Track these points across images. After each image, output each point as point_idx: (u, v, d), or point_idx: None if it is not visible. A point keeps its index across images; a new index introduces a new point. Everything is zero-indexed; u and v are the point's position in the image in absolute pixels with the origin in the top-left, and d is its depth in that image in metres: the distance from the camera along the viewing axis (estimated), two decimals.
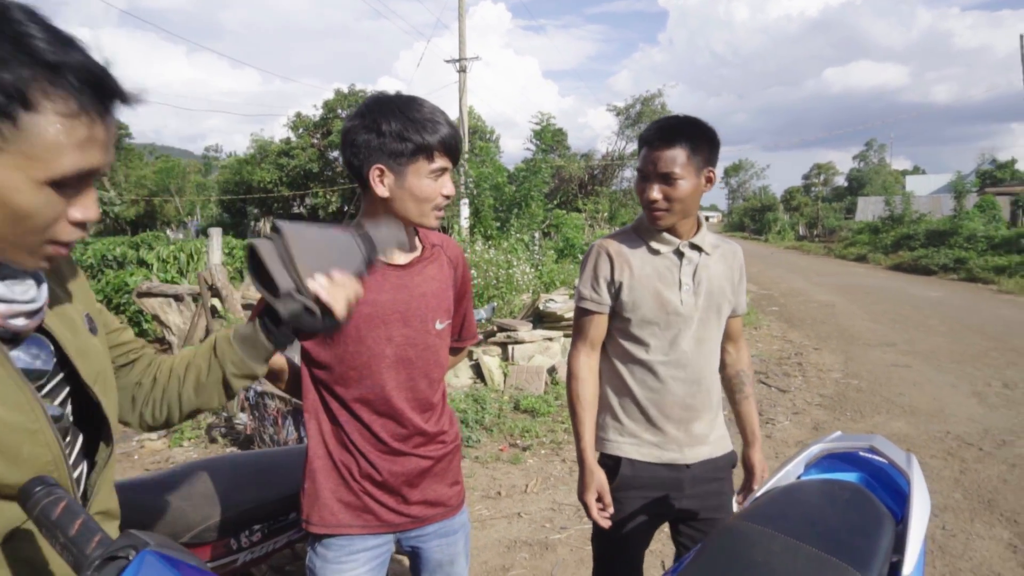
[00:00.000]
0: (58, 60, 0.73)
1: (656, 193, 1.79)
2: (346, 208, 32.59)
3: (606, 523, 1.86)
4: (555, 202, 26.66)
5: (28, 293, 0.86)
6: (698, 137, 1.80)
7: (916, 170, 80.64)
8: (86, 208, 0.82)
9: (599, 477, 1.87)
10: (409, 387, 1.62)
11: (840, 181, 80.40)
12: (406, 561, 1.85)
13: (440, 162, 1.52)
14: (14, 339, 0.87)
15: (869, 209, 46.99)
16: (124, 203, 33.01)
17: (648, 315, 1.86)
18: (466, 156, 17.33)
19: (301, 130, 32.76)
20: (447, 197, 1.57)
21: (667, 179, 1.78)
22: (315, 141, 32.26)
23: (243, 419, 5.09)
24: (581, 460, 1.90)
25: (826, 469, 1.56)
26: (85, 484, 0.97)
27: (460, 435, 1.82)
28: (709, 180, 1.85)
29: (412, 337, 1.61)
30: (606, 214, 26.34)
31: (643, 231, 1.91)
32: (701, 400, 1.91)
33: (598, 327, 1.94)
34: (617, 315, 1.91)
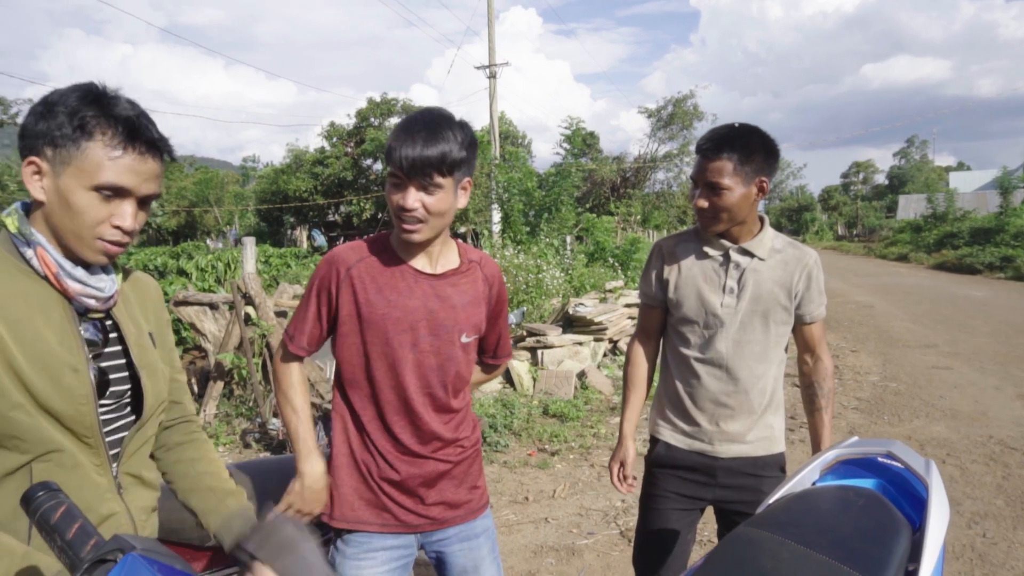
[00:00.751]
0: (111, 111, 1.12)
1: (703, 201, 1.86)
2: (380, 215, 32.96)
3: (624, 489, 2.08)
4: (587, 206, 26.55)
5: (101, 284, 1.20)
6: (750, 147, 1.82)
7: (960, 166, 78.41)
8: (122, 217, 1.15)
9: (626, 449, 2.07)
10: (428, 393, 1.65)
11: (880, 179, 78.57)
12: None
13: (395, 174, 1.56)
14: (84, 314, 1.21)
15: (911, 207, 45.85)
16: (166, 214, 33.88)
17: (689, 313, 1.97)
18: (496, 162, 17.39)
19: (335, 139, 33.24)
20: (406, 210, 1.54)
21: (714, 189, 1.83)
22: (348, 150, 32.70)
23: (276, 424, 5.18)
24: (620, 431, 2.11)
25: (842, 475, 1.53)
26: (121, 439, 1.25)
27: (481, 441, 1.86)
28: (762, 189, 1.87)
29: (437, 346, 1.64)
30: (639, 217, 26.16)
31: (700, 233, 2.00)
32: (737, 400, 1.94)
33: (650, 318, 2.12)
34: (669, 310, 2.05)
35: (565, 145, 18.31)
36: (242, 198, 41.76)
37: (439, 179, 1.52)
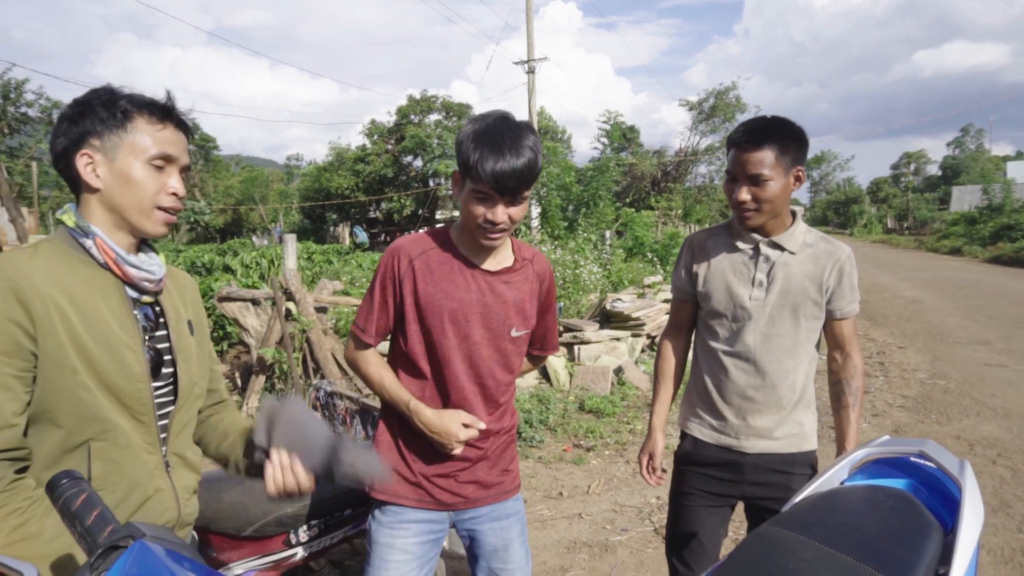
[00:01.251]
0: (131, 96, 1.28)
1: (745, 194, 1.85)
2: (420, 211, 33.24)
3: (652, 482, 2.10)
4: (627, 200, 26.32)
5: (152, 266, 1.33)
6: (786, 137, 1.83)
7: (1019, 155, 75.26)
8: (176, 185, 1.31)
9: (655, 442, 2.10)
10: (479, 383, 1.74)
11: (933, 170, 76.01)
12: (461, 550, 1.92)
13: (482, 188, 1.59)
14: (136, 301, 1.33)
15: (965, 199, 44.25)
16: (213, 212, 34.77)
17: (718, 307, 1.97)
18: None
19: (375, 136, 33.65)
20: (492, 223, 1.62)
21: (756, 180, 1.82)
22: (389, 147, 33.07)
23: None
24: (649, 424, 2.14)
25: (872, 475, 1.49)
26: (168, 420, 1.36)
27: (516, 426, 1.92)
28: (798, 179, 1.87)
29: (488, 338, 1.72)
30: (680, 211, 25.81)
31: (732, 227, 2.00)
32: (765, 395, 1.93)
33: (680, 311, 2.14)
34: (699, 304, 2.05)
35: (603, 139, 18.17)
36: (286, 196, 42.58)
37: (527, 192, 1.61)
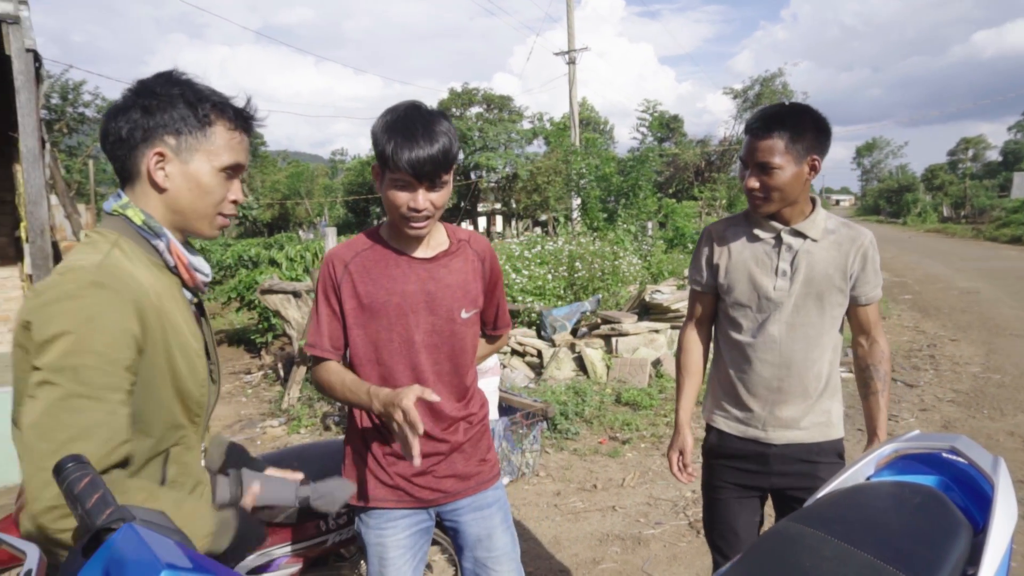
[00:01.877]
0: (222, 99, 1.26)
1: (754, 182, 1.84)
2: (462, 204, 33.39)
3: (684, 479, 2.09)
4: (670, 191, 25.97)
5: (206, 267, 1.33)
6: (800, 125, 1.79)
7: None
8: (237, 192, 1.30)
9: (683, 438, 2.09)
10: (437, 371, 1.74)
11: (993, 155, 73.01)
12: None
13: (402, 176, 1.59)
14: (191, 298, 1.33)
15: None
16: (260, 207, 35.56)
17: (741, 298, 1.95)
18: (575, 148, 17.24)
19: None
20: (414, 210, 1.60)
21: (764, 168, 1.80)
22: None
23: None
24: (676, 421, 2.12)
25: (901, 471, 1.45)
26: (209, 413, 1.36)
27: (488, 415, 1.91)
28: (813, 168, 1.84)
29: (438, 324, 1.72)
30: (724, 201, 25.35)
31: (751, 217, 1.97)
32: (791, 384, 1.91)
33: (700, 304, 2.10)
34: (720, 296, 2.03)
35: (642, 129, 17.92)
36: (331, 190, 43.26)
37: (445, 176, 1.60)
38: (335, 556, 2.52)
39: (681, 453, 2.10)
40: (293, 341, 6.50)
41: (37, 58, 4.55)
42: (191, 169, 1.22)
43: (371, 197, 34.69)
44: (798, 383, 1.91)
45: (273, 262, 13.11)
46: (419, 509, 1.79)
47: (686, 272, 9.78)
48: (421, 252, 1.72)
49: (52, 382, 1.01)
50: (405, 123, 1.55)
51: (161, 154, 1.20)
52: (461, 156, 32.50)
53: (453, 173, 1.64)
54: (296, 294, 6.51)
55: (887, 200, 61.54)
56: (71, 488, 0.73)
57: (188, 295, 1.31)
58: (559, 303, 8.03)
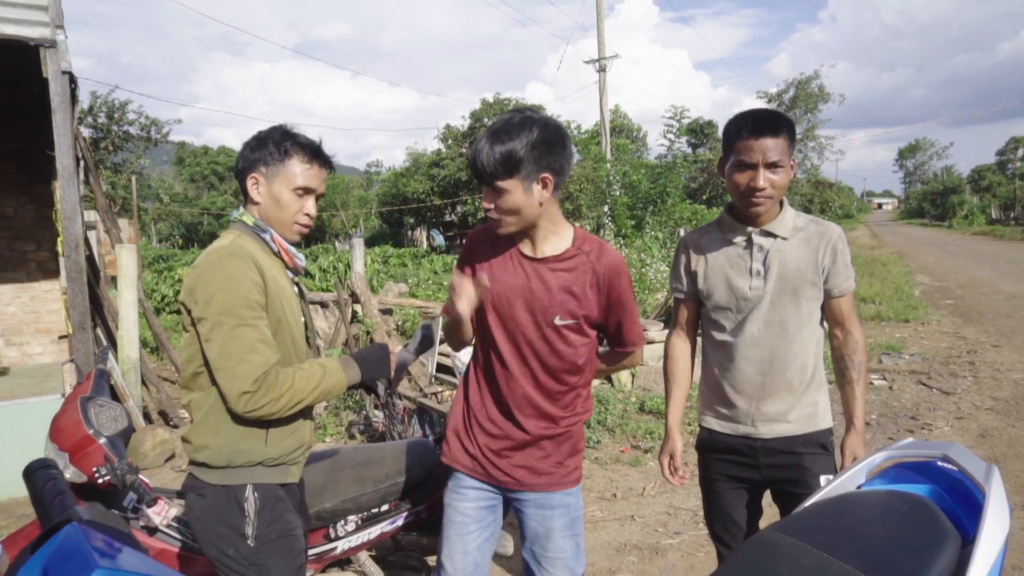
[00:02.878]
0: (301, 140, 1.76)
1: (763, 181, 1.86)
2: None
3: (676, 482, 2.17)
4: (704, 197, 25.68)
5: (302, 257, 1.83)
6: (791, 128, 1.91)
7: None
8: (310, 208, 1.78)
9: (673, 442, 2.17)
10: (524, 362, 1.86)
11: None
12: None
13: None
14: (292, 280, 1.85)
15: None
16: None
17: (720, 301, 2.02)
18: (602, 156, 17.18)
19: (450, 141, 34.16)
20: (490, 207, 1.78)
21: (774, 167, 1.86)
22: (463, 151, 33.49)
23: (378, 416, 5.43)
24: (665, 426, 2.21)
25: (893, 480, 1.42)
26: None
27: (582, 426, 1.97)
28: (793, 168, 1.95)
29: (533, 323, 1.83)
30: None
31: (722, 223, 2.05)
32: (774, 379, 1.97)
33: (684, 311, 2.18)
34: (701, 301, 2.11)
35: (670, 135, 17.75)
36: (366, 201, 43.84)
37: (500, 183, 1.71)
38: (344, 563, 2.55)
39: (671, 457, 2.17)
40: (320, 351, 6.61)
41: (73, 80, 4.73)
42: (273, 189, 1.72)
43: (404, 208, 35.05)
44: (781, 377, 1.97)
45: (307, 273, 13.35)
46: (490, 485, 1.92)
47: None
48: (536, 251, 1.84)
49: (222, 323, 1.55)
50: (485, 130, 1.77)
51: (256, 179, 1.72)
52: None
53: (525, 177, 1.73)
54: (323, 304, 6.62)
55: (931, 203, 59.91)
56: (37, 488, 0.77)
57: (290, 275, 1.82)
58: None
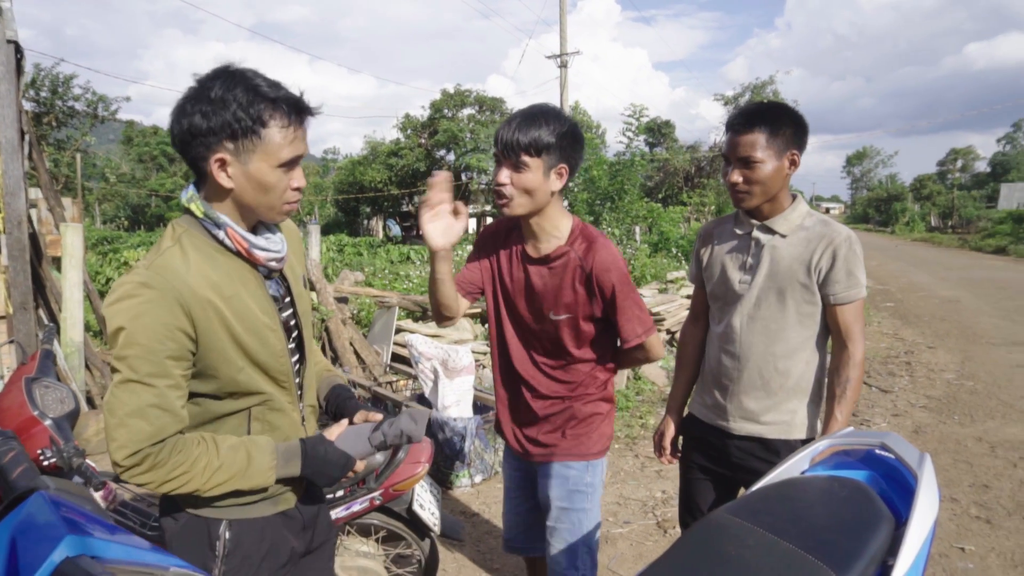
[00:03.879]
0: (275, 96, 1.27)
1: (737, 176, 1.89)
2: None
3: (664, 461, 2.28)
4: (660, 195, 26.02)
5: (277, 245, 1.40)
6: (778, 121, 1.85)
7: None
8: (299, 179, 1.35)
9: (667, 423, 2.25)
10: (528, 348, 2.02)
11: (981, 167, 73.68)
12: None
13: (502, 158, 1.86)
14: (268, 275, 1.43)
15: (1015, 196, 42.86)
16: None
17: (715, 290, 2.06)
18: None
19: (409, 131, 33.86)
20: (497, 183, 1.83)
21: (747, 163, 1.87)
22: (422, 141, 33.24)
23: None
24: (667, 406, 2.29)
25: (835, 466, 1.49)
26: (300, 378, 1.50)
27: (593, 405, 2.05)
28: (793, 162, 1.90)
29: (531, 318, 1.97)
30: (712, 207, 25.47)
31: (737, 214, 2.06)
32: (749, 376, 1.96)
33: (695, 297, 2.23)
34: (705, 289, 2.14)
35: (628, 133, 17.95)
36: (321, 189, 43.13)
37: (525, 158, 1.76)
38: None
39: (661, 436, 2.25)
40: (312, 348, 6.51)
41: (19, 49, 4.55)
42: (251, 170, 1.29)
43: (361, 196, 34.63)
44: (757, 376, 1.94)
45: None
46: (520, 456, 2.11)
47: (669, 276, 9.86)
48: (532, 250, 1.94)
49: (117, 368, 1.22)
50: (515, 113, 1.83)
51: (222, 160, 1.27)
52: (452, 157, 32.54)
53: (547, 162, 1.79)
54: None
55: (876, 209, 62.05)
56: None
57: (263, 270, 1.41)
58: None
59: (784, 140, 1.85)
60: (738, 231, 2.02)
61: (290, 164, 1.32)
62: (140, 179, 41.23)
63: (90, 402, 5.42)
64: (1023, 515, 3.64)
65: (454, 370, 4.23)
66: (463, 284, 2.04)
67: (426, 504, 2.65)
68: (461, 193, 32.77)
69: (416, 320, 6.76)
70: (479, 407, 4.55)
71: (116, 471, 1.20)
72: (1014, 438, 4.86)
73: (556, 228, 1.90)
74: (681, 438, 2.28)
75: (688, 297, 8.54)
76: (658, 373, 6.59)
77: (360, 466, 1.49)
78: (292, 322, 1.48)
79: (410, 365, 5.65)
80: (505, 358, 2.06)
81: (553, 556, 2.05)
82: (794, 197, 1.97)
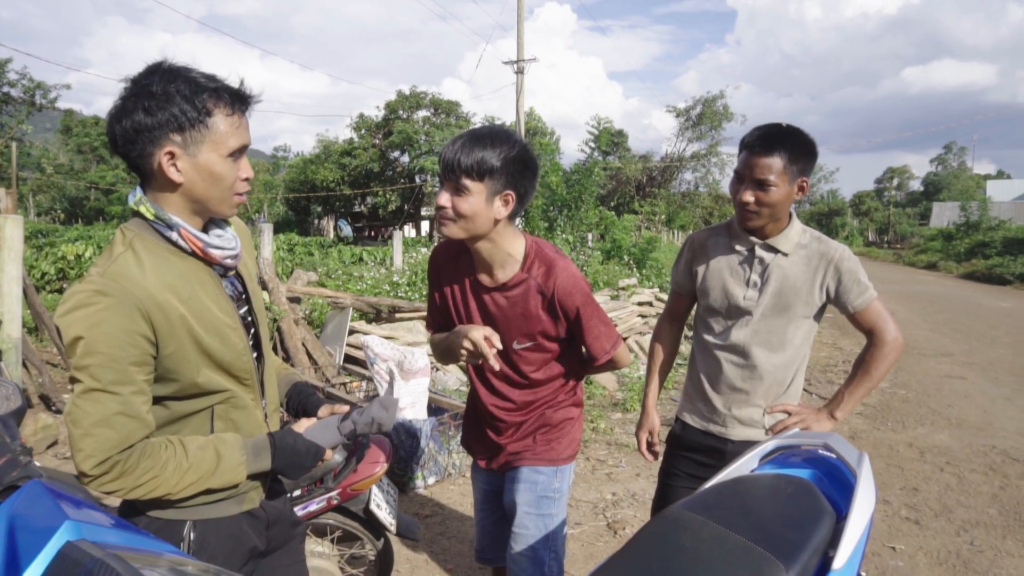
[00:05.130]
0: (216, 86, 1.29)
1: (749, 196, 1.90)
2: (405, 207, 33.19)
3: (650, 457, 2.27)
4: (612, 204, 26.39)
5: (230, 243, 1.40)
6: (798, 147, 1.89)
7: (1000, 174, 76.45)
8: (246, 169, 1.36)
9: (651, 419, 2.26)
10: (495, 383, 2.00)
11: (916, 185, 77.02)
12: None
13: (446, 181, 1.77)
14: (224, 274, 1.43)
15: (945, 215, 44.93)
16: None
17: (714, 304, 2.08)
18: None
19: (363, 131, 33.55)
20: (440, 207, 1.75)
21: (762, 185, 1.88)
22: (376, 141, 32.99)
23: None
24: (643, 405, 2.29)
25: (781, 465, 1.58)
26: (260, 375, 1.50)
27: (563, 411, 2.05)
28: (802, 189, 1.94)
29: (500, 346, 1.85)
30: (663, 216, 25.99)
31: (731, 228, 2.08)
32: (753, 386, 2.04)
33: (675, 302, 2.29)
34: (696, 299, 2.18)
35: (591, 143, 18.19)
36: (271, 186, 42.30)
37: (466, 181, 1.67)
38: None
39: (650, 433, 2.26)
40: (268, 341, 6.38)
41: None
42: (201, 161, 1.29)
43: (313, 196, 34.11)
44: (760, 385, 2.03)
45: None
46: (492, 471, 2.11)
47: (621, 283, 10.03)
48: (487, 279, 1.87)
49: (77, 379, 1.20)
50: (464, 133, 1.74)
51: (171, 153, 1.27)
52: (406, 158, 32.33)
53: (491, 187, 1.70)
54: None
55: (817, 223, 64.13)
56: None
57: (219, 269, 1.40)
58: None
59: (799, 167, 1.89)
60: (737, 247, 2.04)
61: (238, 153, 1.33)
62: (79, 171, 39.67)
63: (27, 401, 5.22)
64: (947, 517, 3.86)
65: (410, 372, 4.24)
66: (442, 324, 2.02)
67: (382, 504, 2.66)
68: (415, 196, 32.60)
69: (369, 321, 6.73)
70: (434, 409, 4.57)
71: (84, 481, 1.18)
72: (941, 444, 5.14)
73: (508, 255, 1.82)
74: (664, 445, 2.28)
75: (640, 304, 8.71)
76: (608, 378, 6.71)
77: (329, 455, 1.48)
78: (249, 319, 1.48)
79: (363, 366, 5.62)
80: (479, 374, 2.04)
81: (517, 563, 1.99)
82: (790, 215, 2.02)
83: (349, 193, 33.24)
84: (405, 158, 32.83)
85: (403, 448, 4.09)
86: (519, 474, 2.01)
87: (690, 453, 2.16)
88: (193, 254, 1.34)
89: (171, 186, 1.30)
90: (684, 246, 2.23)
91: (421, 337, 6.56)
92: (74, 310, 1.21)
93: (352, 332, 6.22)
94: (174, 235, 1.32)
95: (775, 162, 1.86)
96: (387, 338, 5.74)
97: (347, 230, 34.79)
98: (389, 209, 33.09)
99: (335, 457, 2.04)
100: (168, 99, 1.24)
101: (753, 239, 2.00)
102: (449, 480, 4.33)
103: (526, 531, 1.97)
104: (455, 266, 1.93)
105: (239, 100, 1.32)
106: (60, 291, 11.15)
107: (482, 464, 2.14)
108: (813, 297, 1.98)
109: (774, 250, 1.99)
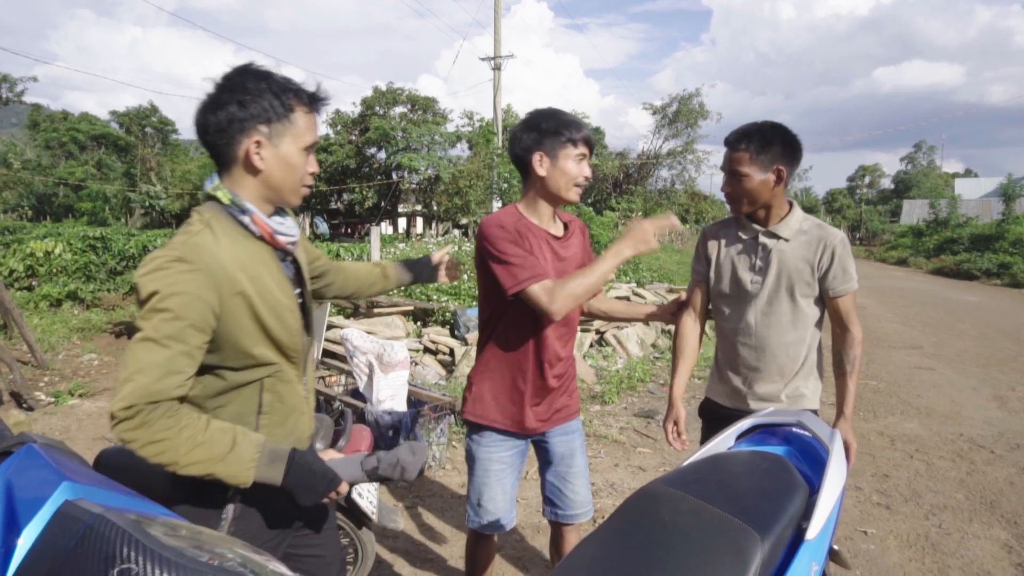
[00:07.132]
0: (298, 87, 1.46)
1: (726, 187, 2.18)
2: (382, 204, 33.02)
3: (678, 446, 2.35)
4: (589, 200, 26.49)
5: (292, 229, 1.54)
6: (766, 139, 2.09)
7: (968, 173, 78.10)
8: (314, 165, 1.52)
9: (677, 411, 2.34)
10: (561, 334, 2.16)
11: (886, 184, 78.33)
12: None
13: (581, 149, 2.06)
14: (283, 258, 1.55)
15: (915, 212, 45.79)
16: (169, 197, 33.99)
17: (725, 289, 2.26)
18: (498, 153, 17.38)
19: (339, 127, 33.29)
20: (587, 178, 2.10)
21: (735, 175, 2.12)
22: (353, 138, 32.76)
23: None
24: (669, 396, 2.38)
25: (757, 442, 1.63)
26: (305, 355, 1.60)
27: (571, 365, 2.30)
28: (779, 176, 2.11)
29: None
30: (640, 213, 26.16)
31: (739, 219, 2.26)
32: (766, 364, 2.20)
33: (696, 292, 2.40)
34: (710, 286, 2.33)
35: None
36: None
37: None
38: None
39: (676, 423, 2.36)
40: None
41: None
42: (282, 151, 1.44)
43: None
44: (773, 363, 2.19)
45: None
46: (518, 435, 2.21)
47: None
48: (554, 231, 2.14)
49: (139, 327, 1.29)
50: (563, 112, 2.08)
51: (258, 142, 1.41)
52: (383, 155, 32.16)
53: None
54: None
55: None
56: None
57: (280, 253, 1.53)
58: (474, 303, 8.13)
59: (771, 157, 2.08)
60: (743, 235, 2.23)
61: (310, 148, 1.49)
62: (47, 166, 38.89)
63: None
64: (916, 502, 3.97)
65: (389, 365, 4.25)
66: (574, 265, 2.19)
67: (364, 493, 2.67)
68: (392, 192, 32.45)
69: (348, 316, 6.71)
70: (413, 402, 4.58)
71: (110, 422, 1.24)
72: (910, 432, 5.26)
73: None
74: (700, 418, 2.48)
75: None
76: (588, 371, 6.76)
77: (344, 488, 1.48)
78: (301, 301, 1.59)
79: (342, 360, 5.61)
80: (524, 340, 2.12)
81: (581, 495, 2.33)
82: (790, 204, 2.21)
83: (325, 190, 32.98)
84: (382, 154, 32.65)
85: (383, 440, 4.10)
86: (571, 426, 2.30)
87: (721, 423, 2.29)
88: (261, 238, 1.47)
89: (253, 171, 1.44)
90: (700, 238, 2.42)
91: (399, 332, 6.56)
92: (154, 271, 1.31)
93: (330, 327, 6.20)
94: (246, 219, 1.44)
95: (743, 155, 2.08)
96: (367, 332, 5.73)
97: (323, 227, 34.53)
98: (366, 206, 32.89)
99: (316, 445, 2.04)
100: (260, 95, 1.40)
101: (756, 227, 2.18)
102: (430, 472, 4.35)
103: (585, 469, 2.33)
104: (524, 225, 2.11)
105: (316, 100, 1.49)
106: (29, 288, 10.93)
107: (519, 428, 2.18)
108: (814, 277, 2.14)
109: (776, 236, 2.16)
